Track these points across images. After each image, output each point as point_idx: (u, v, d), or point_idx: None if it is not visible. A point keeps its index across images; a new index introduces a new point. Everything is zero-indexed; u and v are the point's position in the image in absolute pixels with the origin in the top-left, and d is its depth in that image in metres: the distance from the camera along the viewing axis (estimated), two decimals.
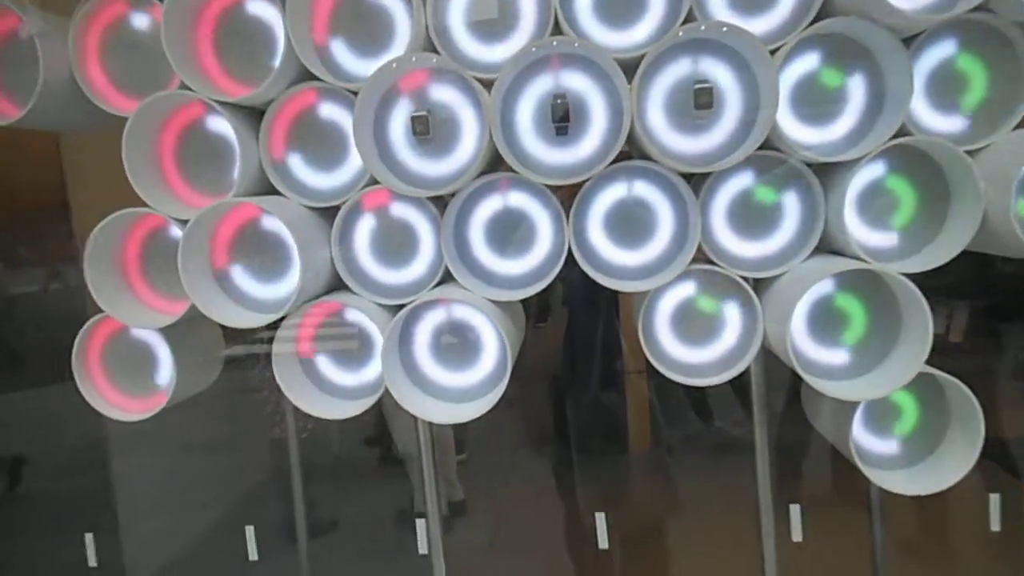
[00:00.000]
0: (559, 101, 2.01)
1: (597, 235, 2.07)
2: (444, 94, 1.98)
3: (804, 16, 1.86)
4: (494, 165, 2.04)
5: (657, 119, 1.95)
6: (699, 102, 2.01)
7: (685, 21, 1.88)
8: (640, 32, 1.98)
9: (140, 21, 2.11)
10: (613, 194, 2.04)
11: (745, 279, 2.01)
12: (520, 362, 2.09)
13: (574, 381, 3.66)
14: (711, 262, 2.03)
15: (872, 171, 2.00)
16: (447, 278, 2.08)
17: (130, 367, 2.21)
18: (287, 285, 2.08)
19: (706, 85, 2.01)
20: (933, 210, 1.96)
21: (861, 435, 2.04)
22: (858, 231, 2.00)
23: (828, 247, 2.04)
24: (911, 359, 1.85)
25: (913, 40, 1.90)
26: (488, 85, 1.88)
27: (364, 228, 2.12)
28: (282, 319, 2.04)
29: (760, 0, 1.92)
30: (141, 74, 2.09)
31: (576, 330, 3.42)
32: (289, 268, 2.09)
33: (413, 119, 2.09)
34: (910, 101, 1.82)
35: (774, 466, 2.45)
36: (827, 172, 1.98)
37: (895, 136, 1.87)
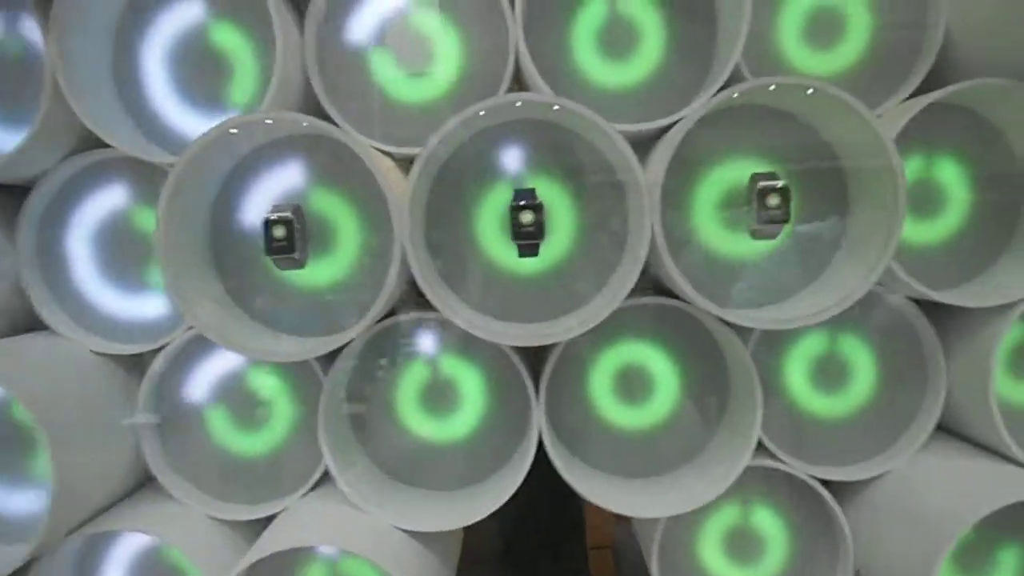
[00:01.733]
0: (523, 205, 1.11)
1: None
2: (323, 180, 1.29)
3: None
4: (409, 301, 1.34)
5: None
6: (766, 210, 1.14)
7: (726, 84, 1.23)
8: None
9: None
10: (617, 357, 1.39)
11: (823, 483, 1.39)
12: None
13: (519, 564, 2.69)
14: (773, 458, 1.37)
15: None
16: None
17: None
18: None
19: (776, 183, 1.15)
20: None
21: None
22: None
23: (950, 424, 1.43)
24: None
25: None
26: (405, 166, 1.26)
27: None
28: None
29: None
30: None
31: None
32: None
33: (268, 225, 1.16)
34: None
35: None
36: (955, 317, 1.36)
37: None
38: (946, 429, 1.48)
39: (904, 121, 1.23)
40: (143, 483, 1.53)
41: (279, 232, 1.20)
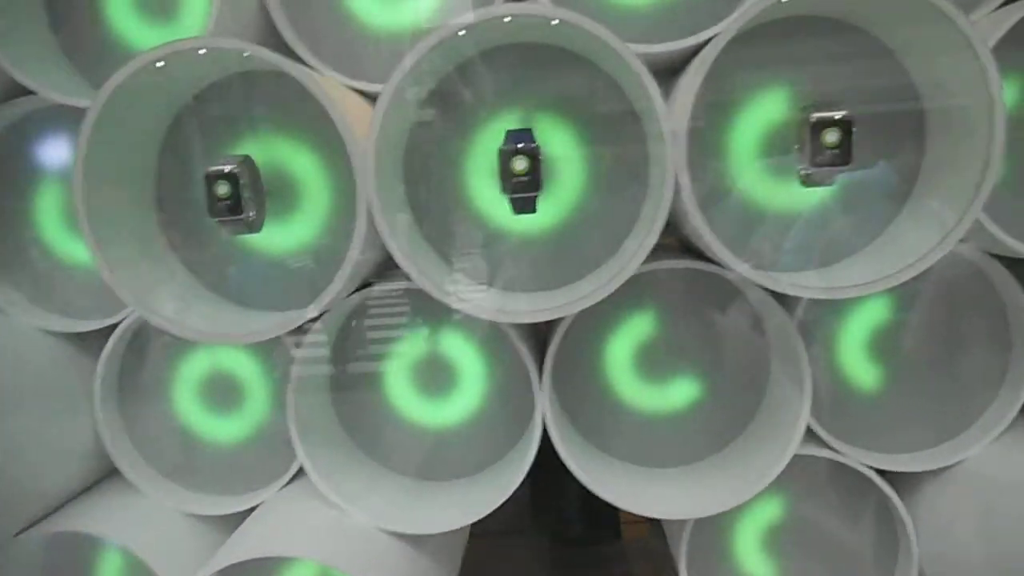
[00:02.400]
0: (517, 149, 0.87)
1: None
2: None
3: None
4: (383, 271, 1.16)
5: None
6: (822, 150, 0.90)
7: None
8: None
9: None
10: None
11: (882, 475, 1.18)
12: None
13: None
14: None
15: None
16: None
17: None
18: None
19: (835, 115, 0.91)
20: None
21: None
22: None
23: None
24: None
25: None
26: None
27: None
28: None
29: None
30: None
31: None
32: None
33: (209, 180, 0.96)
34: None
35: None
36: None
37: None
38: None
39: (1002, 32, 0.96)
40: (108, 474, 1.37)
41: (223, 189, 0.99)
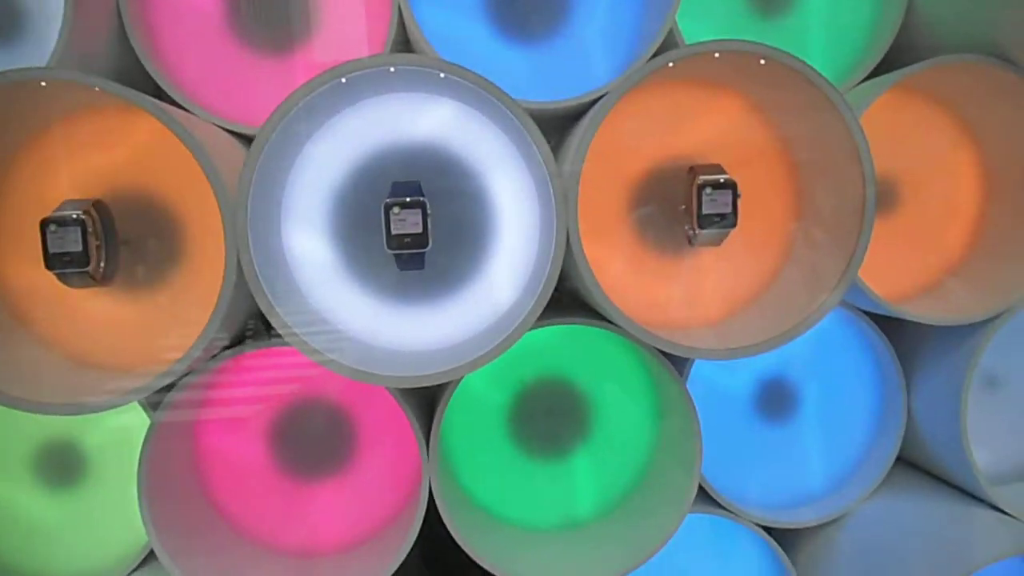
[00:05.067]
0: (404, 202, 0.83)
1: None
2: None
3: None
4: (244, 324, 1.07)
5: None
6: (710, 210, 0.91)
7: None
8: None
9: None
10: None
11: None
12: None
13: None
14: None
15: None
16: None
17: None
18: None
19: (720, 178, 0.92)
20: None
21: None
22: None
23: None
24: None
25: None
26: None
27: None
28: None
29: None
30: None
31: None
32: None
33: (44, 228, 0.84)
34: None
35: None
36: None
37: None
38: (908, 462, 1.29)
39: (873, 102, 1.02)
40: None
41: (65, 240, 0.87)
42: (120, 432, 1.15)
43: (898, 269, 1.20)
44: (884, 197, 1.18)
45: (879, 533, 1.21)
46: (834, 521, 1.23)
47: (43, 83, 0.83)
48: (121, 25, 1.05)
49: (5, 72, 0.80)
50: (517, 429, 1.21)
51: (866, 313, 1.21)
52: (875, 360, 1.24)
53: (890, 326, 1.22)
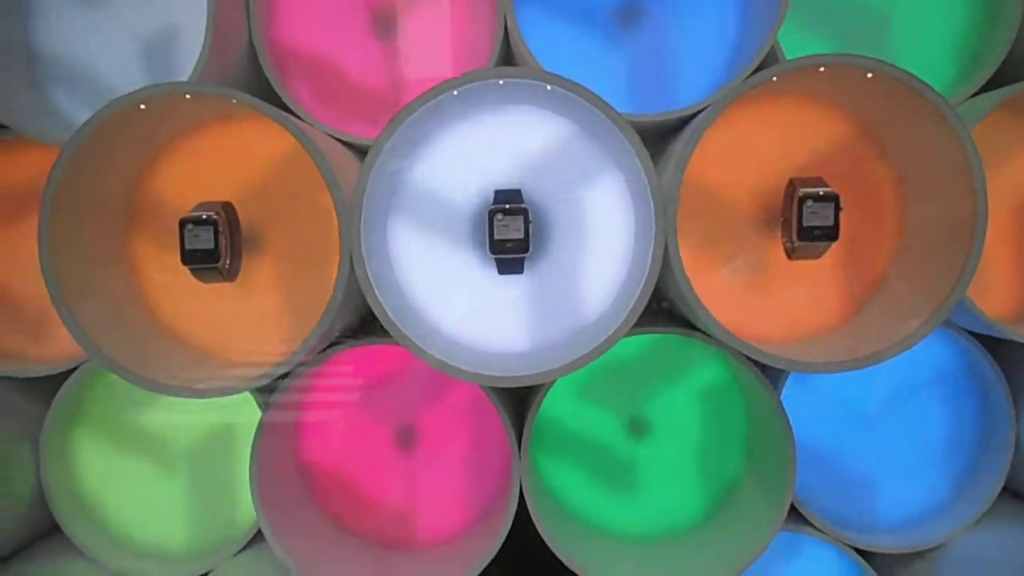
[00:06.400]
0: (507, 208, 0.86)
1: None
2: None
3: None
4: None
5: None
6: (810, 222, 0.90)
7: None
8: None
9: None
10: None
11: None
12: None
13: None
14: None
15: None
16: None
17: None
18: None
19: (820, 191, 0.92)
20: None
21: None
22: None
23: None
24: None
25: None
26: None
27: None
28: None
29: None
30: None
31: None
32: None
33: (184, 227, 0.92)
34: None
35: None
36: None
37: None
38: (1014, 492, 1.23)
39: (983, 117, 0.99)
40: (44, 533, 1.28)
41: (199, 238, 0.95)
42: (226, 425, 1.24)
43: (1002, 288, 1.16)
44: None
45: (979, 565, 1.16)
46: (931, 550, 1.19)
47: (187, 95, 0.92)
48: (251, 44, 1.14)
49: (159, 85, 0.89)
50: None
51: (970, 332, 1.17)
52: (979, 383, 1.20)
53: (996, 348, 1.17)
